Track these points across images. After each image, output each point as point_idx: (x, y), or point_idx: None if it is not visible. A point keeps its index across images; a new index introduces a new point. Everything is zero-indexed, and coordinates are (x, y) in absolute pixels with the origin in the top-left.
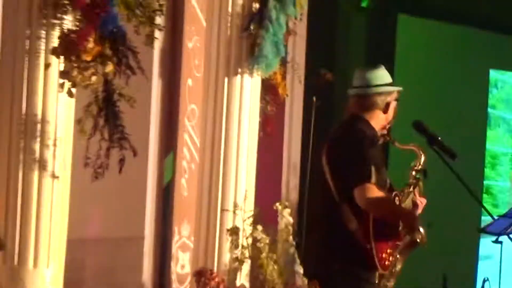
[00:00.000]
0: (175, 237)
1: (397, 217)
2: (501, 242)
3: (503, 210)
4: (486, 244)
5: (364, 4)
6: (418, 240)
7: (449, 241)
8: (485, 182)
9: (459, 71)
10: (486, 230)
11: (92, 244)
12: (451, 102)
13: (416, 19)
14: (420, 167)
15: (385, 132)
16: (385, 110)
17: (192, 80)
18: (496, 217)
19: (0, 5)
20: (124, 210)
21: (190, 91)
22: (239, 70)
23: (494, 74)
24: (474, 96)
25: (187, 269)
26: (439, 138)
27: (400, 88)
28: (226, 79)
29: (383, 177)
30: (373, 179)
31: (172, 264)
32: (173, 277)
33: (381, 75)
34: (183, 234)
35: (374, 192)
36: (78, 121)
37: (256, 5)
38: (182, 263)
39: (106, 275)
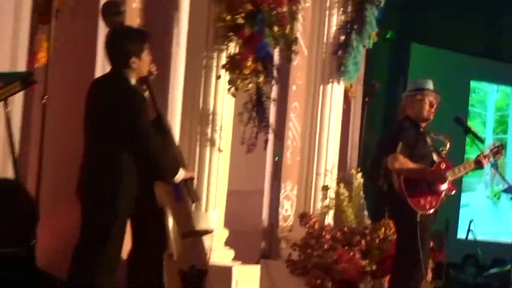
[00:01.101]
0: (282, 191)
1: None
2: None
3: None
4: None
5: (388, 36)
6: None
7: None
8: None
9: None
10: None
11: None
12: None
13: (423, 47)
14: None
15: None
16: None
17: (296, 86)
18: None
19: (185, 35)
20: (254, 173)
21: (294, 93)
22: (330, 80)
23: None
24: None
25: (289, 212)
26: (471, 129)
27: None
28: (321, 86)
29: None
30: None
31: (280, 208)
32: (280, 217)
33: (426, 82)
34: (287, 189)
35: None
36: (239, 114)
37: (343, 37)
38: (286, 208)
39: (241, 211)
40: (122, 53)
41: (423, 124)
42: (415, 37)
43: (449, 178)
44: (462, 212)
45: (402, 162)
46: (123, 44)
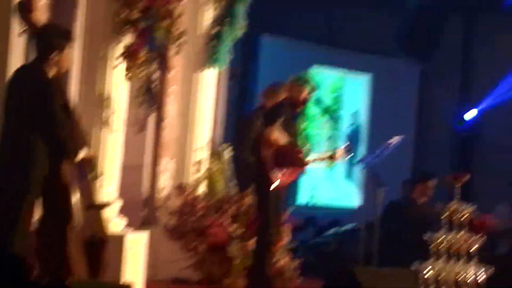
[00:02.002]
0: (160, 165)
1: None
2: None
3: None
4: None
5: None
6: None
7: None
8: None
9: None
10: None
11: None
12: None
13: (271, 37)
14: None
15: None
16: None
17: (174, 71)
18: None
19: (84, 29)
20: (141, 150)
21: (172, 78)
22: (204, 67)
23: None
24: None
25: (167, 184)
26: (329, 109)
27: None
28: (196, 72)
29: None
30: None
31: (158, 180)
32: (158, 188)
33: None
34: (165, 163)
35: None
36: (133, 98)
37: (215, 29)
38: (163, 180)
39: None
40: (45, 46)
41: (299, 109)
42: (264, 28)
43: (308, 160)
44: (303, 180)
45: (276, 136)
46: (47, 38)
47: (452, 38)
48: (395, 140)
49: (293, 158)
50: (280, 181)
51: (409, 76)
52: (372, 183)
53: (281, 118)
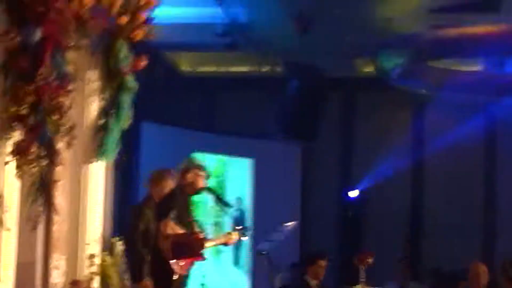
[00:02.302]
0: (51, 261)
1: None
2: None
3: None
4: None
5: None
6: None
7: None
8: None
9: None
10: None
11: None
12: None
13: (153, 124)
14: None
15: None
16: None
17: (59, 166)
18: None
19: None
20: (29, 248)
21: (58, 173)
22: (91, 159)
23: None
24: None
25: (58, 280)
26: (221, 197)
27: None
28: (84, 165)
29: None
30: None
31: (49, 277)
32: (50, 285)
33: (201, 161)
34: (55, 259)
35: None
36: (26, 195)
37: (102, 120)
38: (54, 277)
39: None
40: None
41: (192, 195)
42: (145, 116)
43: (205, 247)
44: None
45: (173, 227)
46: None
47: (331, 117)
48: (290, 224)
49: (191, 247)
50: (180, 270)
51: (291, 158)
52: (265, 268)
53: (174, 207)
